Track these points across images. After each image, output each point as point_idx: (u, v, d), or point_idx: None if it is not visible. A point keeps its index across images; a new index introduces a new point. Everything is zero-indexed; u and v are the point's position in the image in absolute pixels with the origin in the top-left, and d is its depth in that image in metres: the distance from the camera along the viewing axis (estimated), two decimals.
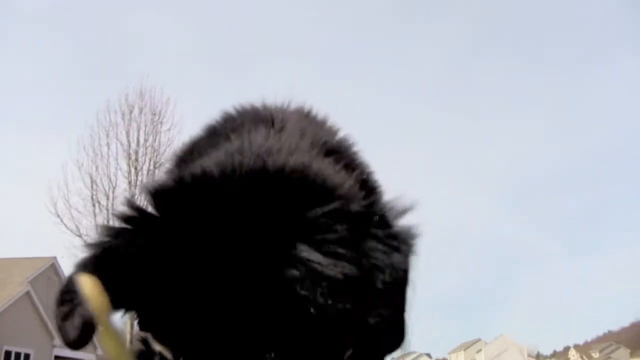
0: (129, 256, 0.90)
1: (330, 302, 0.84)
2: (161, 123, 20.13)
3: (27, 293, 23.78)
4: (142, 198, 0.96)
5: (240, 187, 0.92)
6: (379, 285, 0.89)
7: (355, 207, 0.93)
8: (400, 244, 0.94)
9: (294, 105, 1.29)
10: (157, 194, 0.94)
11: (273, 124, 1.15)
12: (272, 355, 0.86)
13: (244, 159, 0.96)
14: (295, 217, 0.88)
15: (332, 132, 1.24)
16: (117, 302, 0.90)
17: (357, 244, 0.89)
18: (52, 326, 25.75)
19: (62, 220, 18.37)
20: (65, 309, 0.91)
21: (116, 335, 0.91)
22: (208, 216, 0.89)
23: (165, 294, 0.87)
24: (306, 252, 0.85)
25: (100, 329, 0.89)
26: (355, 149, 1.23)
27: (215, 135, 1.21)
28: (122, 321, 0.96)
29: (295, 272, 0.85)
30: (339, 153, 1.13)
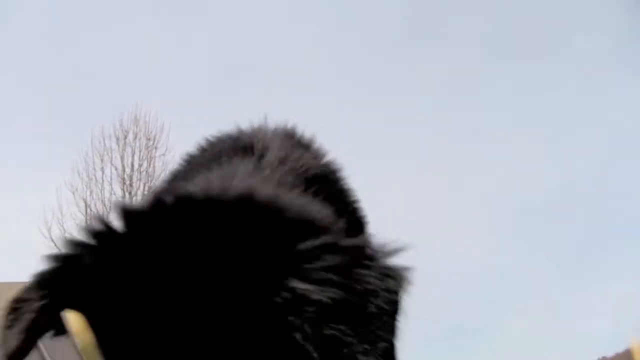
0: (86, 274, 0.82)
1: (318, 328, 0.78)
2: (156, 148, 20.19)
3: None
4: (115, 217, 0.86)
5: (218, 216, 0.83)
6: (373, 309, 0.81)
7: (344, 242, 0.85)
8: (393, 272, 0.87)
9: (278, 129, 1.21)
10: (128, 213, 0.85)
11: (253, 152, 1.09)
12: None
13: (222, 189, 0.88)
14: (279, 249, 0.81)
15: (317, 157, 1.17)
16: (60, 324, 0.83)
17: (348, 271, 0.82)
18: (45, 352, 25.37)
19: (56, 245, 18.25)
20: (12, 317, 0.85)
21: None
22: (183, 243, 0.81)
23: (122, 331, 0.79)
24: (292, 281, 0.79)
25: None
26: (340, 174, 1.18)
27: (194, 165, 1.16)
28: None
29: (279, 300, 0.78)
30: (322, 181, 1.07)
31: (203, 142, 1.24)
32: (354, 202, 1.15)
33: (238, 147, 1.12)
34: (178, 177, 1.18)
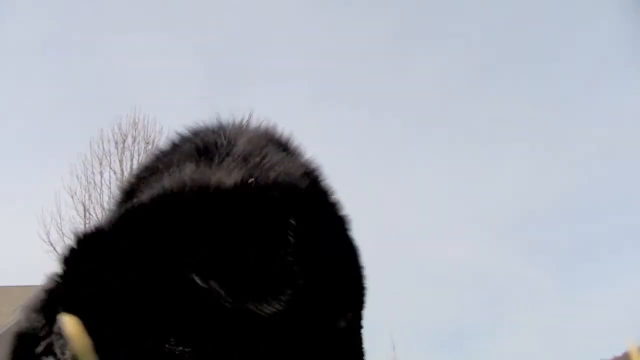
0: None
1: (236, 290, 0.83)
2: None
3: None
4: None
5: (140, 226, 0.92)
6: (283, 263, 0.87)
7: (228, 183, 0.91)
8: (280, 203, 0.91)
9: (257, 127, 1.19)
10: (79, 239, 0.96)
11: (217, 149, 1.09)
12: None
13: (148, 211, 0.95)
14: (187, 234, 0.88)
15: (290, 157, 1.14)
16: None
17: (244, 227, 0.87)
18: None
19: (54, 249, 18.27)
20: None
21: None
22: (117, 258, 0.90)
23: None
24: (203, 254, 0.85)
25: None
26: (316, 175, 1.15)
27: (160, 163, 1.17)
28: None
29: (197, 272, 0.83)
30: (288, 182, 1.05)
31: (175, 137, 1.25)
32: (326, 200, 1.14)
33: (202, 146, 1.13)
34: (140, 176, 1.20)
